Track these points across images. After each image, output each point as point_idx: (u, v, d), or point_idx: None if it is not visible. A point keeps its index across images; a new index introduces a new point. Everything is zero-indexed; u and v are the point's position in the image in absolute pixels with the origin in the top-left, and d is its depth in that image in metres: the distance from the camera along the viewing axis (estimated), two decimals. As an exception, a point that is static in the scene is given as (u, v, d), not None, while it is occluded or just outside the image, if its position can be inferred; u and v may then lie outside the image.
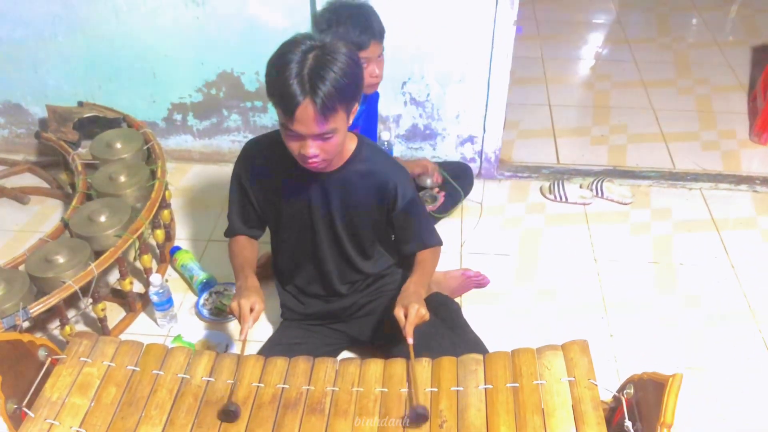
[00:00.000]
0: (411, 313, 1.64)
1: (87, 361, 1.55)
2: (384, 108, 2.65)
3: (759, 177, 2.79)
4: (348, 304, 1.98)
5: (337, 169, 1.74)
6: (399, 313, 1.66)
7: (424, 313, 1.67)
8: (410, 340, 1.61)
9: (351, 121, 1.61)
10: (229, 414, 1.47)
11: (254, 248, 1.96)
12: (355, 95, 1.56)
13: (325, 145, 1.56)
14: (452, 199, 2.52)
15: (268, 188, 1.82)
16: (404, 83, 2.59)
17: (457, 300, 2.25)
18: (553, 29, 3.97)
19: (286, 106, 1.47)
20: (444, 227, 2.52)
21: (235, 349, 2.09)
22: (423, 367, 1.58)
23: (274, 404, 1.52)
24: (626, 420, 1.38)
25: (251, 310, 1.68)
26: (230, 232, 1.94)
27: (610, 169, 2.85)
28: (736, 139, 3.06)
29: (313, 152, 1.55)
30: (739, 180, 2.77)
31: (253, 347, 1.99)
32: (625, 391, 1.43)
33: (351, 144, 1.76)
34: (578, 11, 4.20)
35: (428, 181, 2.45)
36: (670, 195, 2.74)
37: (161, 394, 1.52)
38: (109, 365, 1.56)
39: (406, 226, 1.86)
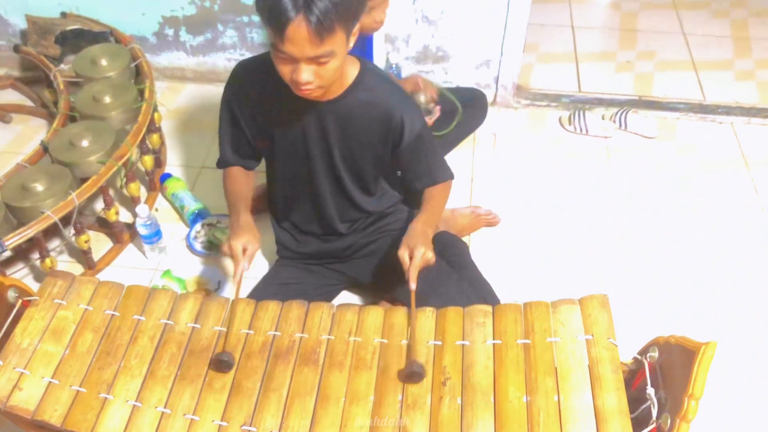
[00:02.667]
0: (416, 255, 1.50)
1: (62, 304, 1.43)
2: (392, 26, 2.43)
3: (797, 112, 2.58)
4: (347, 244, 1.84)
5: (336, 97, 1.56)
6: (403, 254, 1.52)
7: (430, 256, 1.53)
8: (413, 286, 1.47)
9: (352, 45, 1.42)
10: (221, 363, 1.35)
11: (249, 181, 1.80)
12: (356, 14, 1.37)
13: (321, 70, 1.38)
14: (449, 115, 2.31)
15: (260, 116, 1.65)
16: (416, -1, 2.37)
17: (465, 239, 2.11)
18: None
19: (276, 23, 1.28)
20: (453, 159, 2.34)
21: (229, 285, 1.97)
22: (426, 317, 1.45)
23: (264, 353, 1.40)
24: (648, 386, 1.25)
25: (244, 251, 1.55)
26: (222, 163, 1.78)
27: (635, 99, 2.65)
28: (775, 69, 2.83)
29: (307, 78, 1.37)
30: (775, 114, 2.57)
31: (247, 284, 1.87)
32: (648, 354, 1.30)
33: (352, 70, 1.57)
34: None
35: (422, 98, 2.24)
36: (698, 129, 2.54)
37: (142, 342, 1.40)
38: (85, 309, 1.44)
39: (413, 162, 1.70)
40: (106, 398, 1.30)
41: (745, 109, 2.60)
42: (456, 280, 1.77)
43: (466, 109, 2.36)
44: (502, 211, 2.18)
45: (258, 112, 1.64)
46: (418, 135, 1.64)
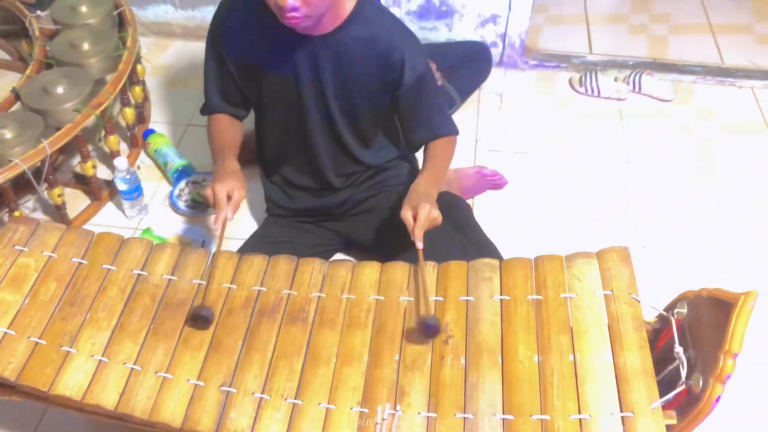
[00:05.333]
0: (421, 214, 1.36)
1: (23, 251, 1.30)
2: (393, -23, 2.29)
3: (820, 75, 2.44)
4: (342, 200, 1.70)
5: (330, 32, 1.43)
6: (407, 214, 1.38)
7: (436, 215, 1.39)
8: (419, 245, 1.34)
9: None
10: (199, 319, 1.22)
11: (237, 130, 1.66)
12: None
13: None
14: (449, 98, 2.17)
15: (248, 55, 1.50)
16: (419, -54, 2.21)
17: (469, 202, 1.97)
18: None
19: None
20: (457, 120, 2.19)
21: (214, 246, 1.83)
22: (427, 272, 1.32)
23: (248, 310, 1.27)
24: (676, 344, 1.11)
25: (229, 198, 1.41)
26: (207, 109, 1.64)
27: (649, 61, 2.50)
28: (796, 32, 2.68)
29: (292, 3, 1.25)
30: (799, 78, 2.43)
31: (233, 246, 1.73)
32: (675, 311, 1.16)
33: (349, 2, 1.43)
34: None
35: None
36: (716, 93, 2.39)
37: (111, 293, 1.27)
38: (50, 256, 1.30)
39: (414, 108, 1.56)
40: (68, 352, 1.17)
41: (765, 72, 2.45)
42: (459, 241, 1.64)
43: (467, 67, 2.22)
44: (508, 174, 2.04)
45: (245, 50, 1.50)
46: (420, 77, 1.50)
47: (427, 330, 1.19)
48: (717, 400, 1.01)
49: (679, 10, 2.78)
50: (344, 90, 1.51)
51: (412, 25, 2.40)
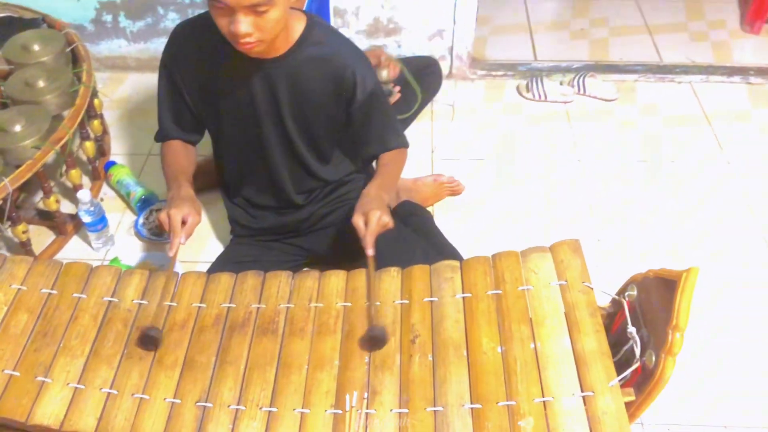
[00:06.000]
0: (372, 220, 1.41)
1: (-9, 286, 1.31)
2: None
3: (753, 68, 2.57)
4: (305, 216, 1.74)
5: (282, 54, 1.47)
6: (358, 220, 1.43)
7: (387, 220, 1.44)
8: (370, 252, 1.39)
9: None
10: (147, 340, 1.24)
11: (191, 155, 1.70)
12: None
13: (260, 21, 1.29)
14: (408, 101, 2.23)
15: (203, 80, 1.54)
16: (363, -32, 2.29)
17: (429, 209, 2.03)
18: None
19: (210, -33, 1.19)
20: (413, 132, 2.27)
21: (180, 271, 1.85)
22: (392, 277, 1.37)
23: (219, 326, 1.30)
24: (629, 325, 1.18)
25: (183, 223, 1.44)
26: (161, 136, 1.67)
27: (591, 64, 2.61)
28: (727, 29, 2.81)
29: (245, 29, 1.28)
30: (731, 71, 2.55)
31: (201, 270, 1.76)
32: (626, 293, 1.23)
33: (299, 24, 1.48)
34: None
35: (383, 74, 2.13)
36: (657, 89, 2.51)
37: (84, 321, 1.29)
38: (19, 289, 1.31)
39: (366, 123, 1.61)
40: (43, 381, 1.19)
41: (702, 67, 2.58)
42: (421, 246, 1.68)
43: (423, 79, 2.29)
44: (465, 180, 2.11)
45: (200, 76, 1.54)
46: (371, 93, 1.56)
47: (373, 340, 1.23)
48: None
49: (616, 13, 2.91)
50: (300, 110, 1.55)
51: (363, 44, 2.47)
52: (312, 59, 1.49)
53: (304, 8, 1.85)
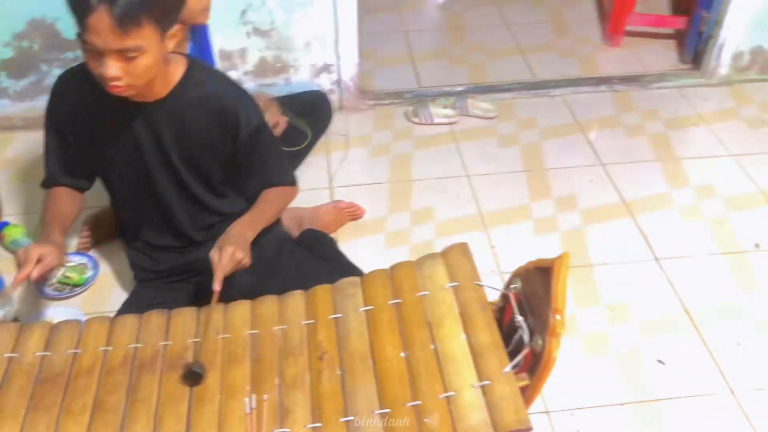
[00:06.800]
0: (223, 256, 1.44)
1: None
2: (225, 42, 2.41)
3: (616, 77, 2.81)
4: (206, 254, 1.75)
5: (163, 97, 1.50)
6: (214, 255, 1.46)
7: (241, 257, 1.47)
8: (216, 287, 1.41)
9: (171, 46, 1.38)
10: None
11: (74, 203, 1.67)
12: (168, 11, 1.33)
13: (130, 66, 1.32)
14: (298, 136, 2.29)
15: (88, 126, 1.55)
16: (244, 12, 2.35)
17: (333, 235, 2.09)
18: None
19: (78, 10, 1.23)
20: (309, 165, 2.36)
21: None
22: (295, 300, 1.42)
23: (126, 367, 1.30)
24: (517, 315, 1.28)
25: (39, 260, 1.41)
26: (48, 182, 1.65)
27: (472, 86, 2.78)
28: (591, 44, 3.07)
29: (114, 73, 1.31)
30: (598, 81, 2.78)
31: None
32: (511, 286, 1.33)
33: (178, 68, 1.51)
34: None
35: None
36: (533, 104, 2.70)
37: (-16, 380, 1.26)
38: None
39: (251, 160, 1.63)
40: (-59, 450, 1.16)
41: (571, 80, 2.79)
42: (326, 271, 1.74)
43: (313, 114, 2.37)
44: (365, 204, 2.19)
45: (84, 122, 1.55)
46: (256, 128, 1.58)
47: (190, 375, 1.25)
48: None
49: (491, 39, 3.11)
50: (188, 151, 1.57)
51: (252, 84, 2.53)
52: (194, 100, 1.52)
53: (187, 52, 1.90)
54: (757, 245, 2.09)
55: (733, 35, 2.66)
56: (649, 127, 2.57)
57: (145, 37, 1.29)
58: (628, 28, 2.99)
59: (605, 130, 2.56)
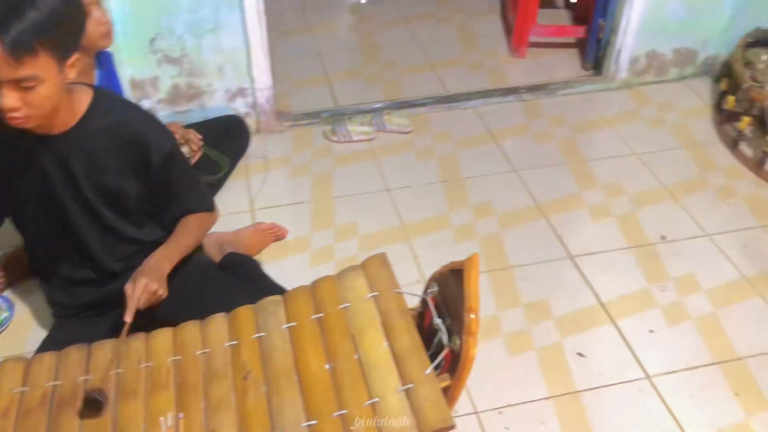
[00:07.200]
0: (136, 289, 1.45)
1: None
2: (135, 71, 2.39)
3: (524, 86, 2.92)
4: (122, 286, 1.72)
5: (71, 128, 1.47)
6: (128, 288, 1.46)
7: (155, 288, 1.48)
8: (127, 319, 1.42)
9: (72, 75, 1.36)
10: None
11: None
12: (64, 39, 1.31)
13: (28, 96, 1.29)
14: (214, 165, 2.29)
15: (-6, 164, 1.52)
16: (153, 40, 2.34)
17: (257, 257, 2.10)
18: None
19: (-32, 40, 1.20)
20: (229, 189, 2.36)
21: None
22: (218, 323, 1.42)
23: (45, 405, 1.27)
24: (435, 318, 1.32)
25: None
26: None
27: (387, 102, 2.83)
28: (498, 56, 3.18)
29: (10, 104, 1.28)
30: (506, 92, 2.89)
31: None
32: (429, 291, 1.37)
33: (84, 97, 1.49)
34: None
35: (184, 150, 2.20)
36: (447, 117, 2.78)
37: None
38: None
39: (165, 187, 1.61)
40: None
41: (481, 92, 2.88)
42: (250, 293, 1.72)
43: (227, 140, 2.37)
44: (288, 224, 2.21)
45: (-10, 160, 1.51)
46: (168, 156, 1.57)
47: (92, 403, 1.24)
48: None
49: (403, 56, 3.18)
50: (99, 181, 1.54)
51: (166, 111, 2.51)
52: (102, 129, 1.49)
53: (94, 83, 1.88)
54: (663, 237, 2.21)
55: (629, 41, 2.82)
56: (557, 133, 2.69)
57: (41, 66, 1.27)
58: (532, 39, 3.12)
59: (516, 137, 2.66)
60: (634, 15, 2.74)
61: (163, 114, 2.51)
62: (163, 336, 1.40)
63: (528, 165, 2.51)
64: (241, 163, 2.48)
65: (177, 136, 2.21)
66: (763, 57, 2.65)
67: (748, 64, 2.63)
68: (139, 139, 1.53)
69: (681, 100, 2.89)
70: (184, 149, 2.19)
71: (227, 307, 1.50)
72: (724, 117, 2.69)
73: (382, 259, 1.47)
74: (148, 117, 1.60)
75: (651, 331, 1.91)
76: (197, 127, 2.41)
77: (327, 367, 1.29)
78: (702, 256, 2.15)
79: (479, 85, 2.94)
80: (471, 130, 2.70)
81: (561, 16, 3.44)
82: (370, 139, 2.63)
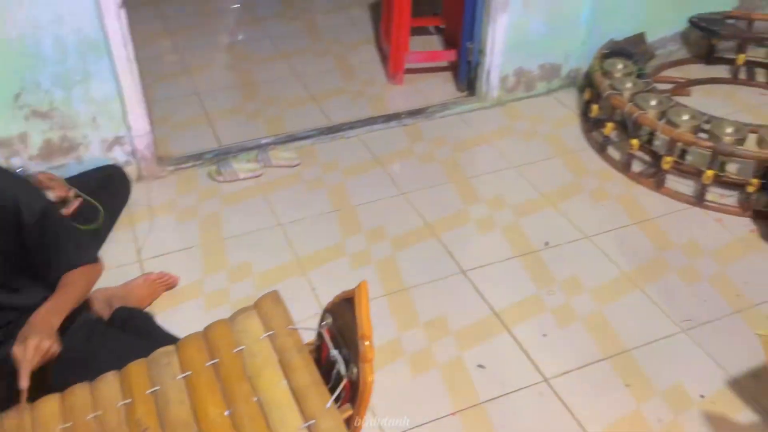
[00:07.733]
0: (28, 349, 1.39)
1: None
2: (1, 128, 2.27)
3: (404, 111, 3.00)
4: (3, 355, 1.62)
5: None
6: (17, 350, 1.39)
7: (47, 346, 1.42)
8: (23, 384, 1.36)
9: None
10: None
11: None
12: None
13: None
14: (93, 213, 2.22)
15: None
16: (17, 95, 2.24)
17: (149, 309, 2.03)
18: (181, 22, 3.83)
19: None
20: (114, 241, 2.29)
21: None
22: (108, 383, 1.36)
23: None
24: (331, 350, 1.32)
25: None
26: None
27: (272, 138, 2.83)
28: (377, 84, 3.25)
29: None
30: (388, 118, 2.96)
31: None
32: (323, 323, 1.38)
33: None
34: (203, 2, 4.11)
35: (50, 195, 2.12)
36: (333, 148, 2.81)
37: None
38: None
39: (43, 245, 1.56)
40: None
41: (364, 120, 2.94)
42: (141, 347, 1.66)
43: (107, 189, 2.30)
44: (179, 271, 2.15)
45: None
46: (41, 214, 1.52)
47: None
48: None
49: (283, 90, 3.19)
50: (-32, 250, 1.47)
51: (40, 167, 2.38)
52: None
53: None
54: (546, 243, 2.33)
55: (497, 60, 2.96)
56: (439, 153, 2.78)
57: None
58: (408, 66, 3.21)
59: (401, 161, 2.73)
60: (498, 36, 2.89)
61: (38, 170, 2.39)
62: (49, 404, 1.34)
63: (415, 187, 2.57)
64: (125, 213, 2.41)
65: (43, 181, 2.14)
66: (619, 66, 2.86)
67: (606, 73, 2.83)
68: (7, 201, 1.48)
69: (550, 112, 3.06)
70: (50, 194, 2.12)
71: (119, 365, 1.44)
72: (590, 125, 2.87)
73: (274, 297, 1.47)
74: (13, 177, 1.56)
75: (544, 335, 2.00)
76: (75, 179, 2.32)
77: (226, 413, 1.27)
78: (584, 258, 2.27)
79: (361, 113, 3.00)
80: (357, 158, 2.74)
81: (433, 42, 3.57)
82: (258, 176, 2.62)
